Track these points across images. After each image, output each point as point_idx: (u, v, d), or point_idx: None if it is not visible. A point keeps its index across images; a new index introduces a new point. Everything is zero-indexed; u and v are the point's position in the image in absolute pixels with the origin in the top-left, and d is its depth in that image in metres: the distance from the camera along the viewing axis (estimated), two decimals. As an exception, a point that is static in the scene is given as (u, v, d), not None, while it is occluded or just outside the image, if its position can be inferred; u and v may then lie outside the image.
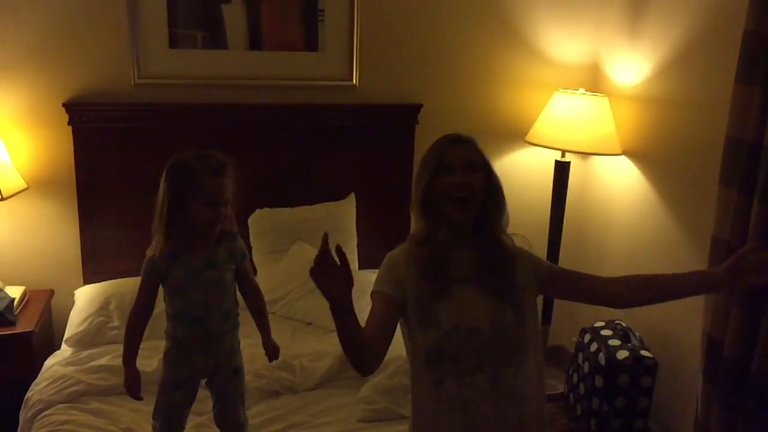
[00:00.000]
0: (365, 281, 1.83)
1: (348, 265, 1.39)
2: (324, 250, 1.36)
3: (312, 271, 1.36)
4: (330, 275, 1.37)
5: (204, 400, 2.17)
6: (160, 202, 1.80)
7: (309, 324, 2.82)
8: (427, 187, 1.66)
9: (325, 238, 1.37)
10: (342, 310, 1.42)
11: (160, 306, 1.99)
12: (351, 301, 1.42)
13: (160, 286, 1.92)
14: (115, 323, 2.62)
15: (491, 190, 1.71)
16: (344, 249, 1.41)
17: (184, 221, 1.79)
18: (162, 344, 2.05)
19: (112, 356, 2.42)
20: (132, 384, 1.97)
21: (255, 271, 2.93)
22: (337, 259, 1.38)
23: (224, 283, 1.92)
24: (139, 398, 1.98)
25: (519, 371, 1.64)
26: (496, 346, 1.62)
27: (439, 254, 1.65)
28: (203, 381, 2.06)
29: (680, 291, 1.83)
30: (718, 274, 1.77)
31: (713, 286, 1.80)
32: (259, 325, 2.11)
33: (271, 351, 2.11)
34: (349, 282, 1.39)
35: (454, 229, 1.68)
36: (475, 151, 1.72)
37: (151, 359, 2.23)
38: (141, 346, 2.42)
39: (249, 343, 2.40)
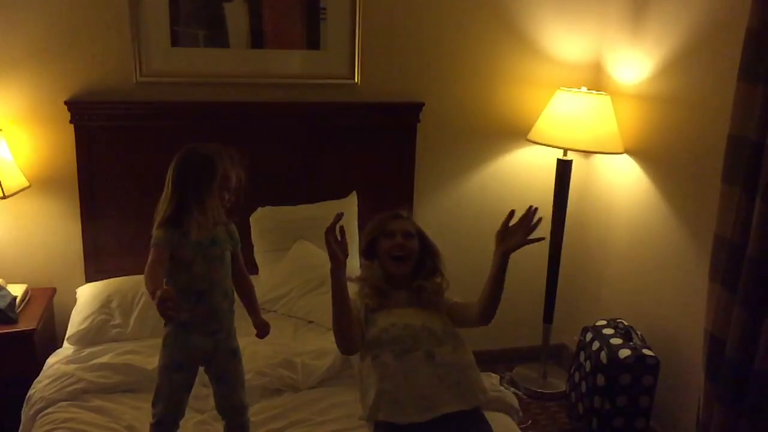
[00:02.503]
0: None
1: (345, 239, 1.94)
2: (335, 224, 1.91)
3: (327, 232, 1.90)
4: (336, 240, 1.92)
5: (206, 398, 2.17)
6: (178, 188, 1.89)
7: (311, 322, 2.82)
8: (371, 245, 2.20)
9: (339, 216, 1.92)
10: (339, 270, 1.94)
11: None
12: (345, 268, 1.95)
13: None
14: (117, 321, 2.62)
15: (426, 250, 2.22)
16: (348, 242, 1.96)
17: (206, 210, 1.89)
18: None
19: (113, 354, 2.42)
20: (169, 296, 1.63)
21: (256, 269, 2.95)
22: (339, 236, 1.93)
23: (225, 260, 2.00)
24: (174, 316, 1.67)
25: (455, 350, 2.06)
26: (428, 335, 2.04)
27: (380, 287, 2.16)
28: (202, 369, 2.05)
29: (491, 282, 2.03)
30: (494, 253, 2.03)
31: (496, 265, 2.02)
32: (248, 306, 2.15)
33: (261, 328, 2.13)
34: (346, 251, 1.94)
35: (394, 280, 2.17)
36: (411, 223, 2.24)
37: (152, 357, 2.23)
38: (143, 344, 2.45)
39: (250, 342, 2.40)
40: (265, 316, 2.53)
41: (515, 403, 2.41)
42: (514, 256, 3.70)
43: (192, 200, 1.87)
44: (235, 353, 2.05)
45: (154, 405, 1.97)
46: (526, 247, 3.72)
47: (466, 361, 2.09)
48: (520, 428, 3.09)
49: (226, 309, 2.01)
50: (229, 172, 1.92)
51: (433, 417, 1.95)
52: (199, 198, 1.87)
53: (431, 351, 2.02)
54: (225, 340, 2.02)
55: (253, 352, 2.38)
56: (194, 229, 1.87)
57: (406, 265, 2.16)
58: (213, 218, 1.90)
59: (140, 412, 2.15)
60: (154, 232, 1.90)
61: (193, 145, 1.96)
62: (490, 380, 2.43)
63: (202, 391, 2.17)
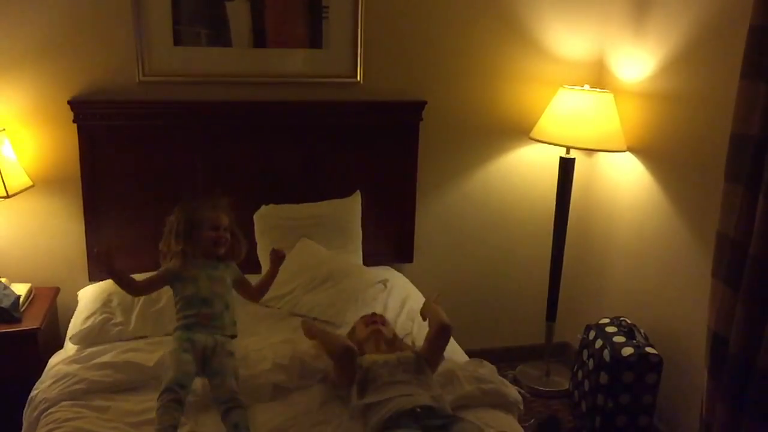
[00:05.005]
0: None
1: None
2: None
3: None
4: None
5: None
6: (175, 231, 2.42)
7: (314, 319, 2.81)
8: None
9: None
10: None
11: (164, 300, 2.13)
12: None
13: (171, 286, 2.40)
14: (119, 319, 2.62)
15: None
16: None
17: (195, 244, 2.41)
18: (165, 340, 2.36)
19: (115, 353, 2.42)
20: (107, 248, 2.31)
21: (259, 268, 2.95)
22: None
23: (225, 281, 2.40)
24: (108, 260, 2.29)
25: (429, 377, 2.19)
26: (403, 369, 2.18)
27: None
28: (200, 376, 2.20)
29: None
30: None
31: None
32: (266, 282, 2.60)
33: (275, 255, 2.54)
34: None
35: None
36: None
37: (152, 353, 2.29)
38: (144, 341, 2.54)
39: (255, 343, 2.41)
40: (269, 313, 2.79)
41: (515, 395, 2.32)
42: (516, 257, 3.71)
43: (181, 239, 2.39)
44: (232, 354, 2.28)
45: (163, 379, 2.12)
46: (528, 245, 3.80)
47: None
48: (523, 426, 3.10)
49: (227, 319, 2.35)
50: (210, 215, 2.43)
51: (413, 406, 2.02)
52: (184, 236, 2.40)
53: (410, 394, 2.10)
54: (223, 344, 2.27)
55: (260, 354, 2.38)
56: (182, 257, 2.37)
57: (382, 333, 2.37)
58: (198, 250, 2.40)
59: (143, 408, 2.15)
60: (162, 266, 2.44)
61: (184, 201, 2.48)
62: (487, 370, 2.39)
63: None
